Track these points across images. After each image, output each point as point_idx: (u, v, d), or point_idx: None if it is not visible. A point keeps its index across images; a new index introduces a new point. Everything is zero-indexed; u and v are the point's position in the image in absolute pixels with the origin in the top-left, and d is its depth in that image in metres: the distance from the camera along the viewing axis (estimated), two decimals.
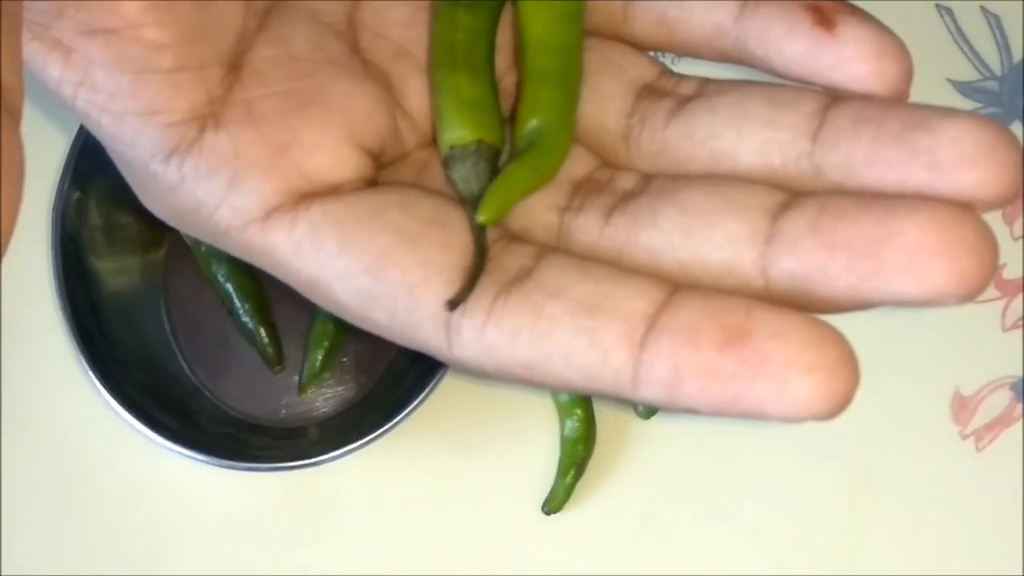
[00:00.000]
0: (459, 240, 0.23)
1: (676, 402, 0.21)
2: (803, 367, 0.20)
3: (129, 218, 0.40)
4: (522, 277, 0.22)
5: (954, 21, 0.45)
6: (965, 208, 0.20)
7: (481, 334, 0.22)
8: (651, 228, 0.23)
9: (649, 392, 0.21)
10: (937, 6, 0.45)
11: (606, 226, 0.23)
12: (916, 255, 0.20)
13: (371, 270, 0.22)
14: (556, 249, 0.23)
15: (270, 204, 0.23)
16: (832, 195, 0.22)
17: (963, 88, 0.44)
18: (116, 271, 0.40)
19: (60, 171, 0.38)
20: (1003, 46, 0.45)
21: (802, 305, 0.21)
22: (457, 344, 0.22)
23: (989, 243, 0.20)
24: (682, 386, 0.20)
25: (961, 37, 0.45)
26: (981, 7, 0.45)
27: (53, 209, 0.38)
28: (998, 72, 0.45)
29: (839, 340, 0.20)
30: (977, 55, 0.45)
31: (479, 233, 0.23)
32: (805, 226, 0.21)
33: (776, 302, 0.21)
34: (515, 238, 0.24)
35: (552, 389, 0.22)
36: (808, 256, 0.21)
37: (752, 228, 0.22)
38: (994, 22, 0.45)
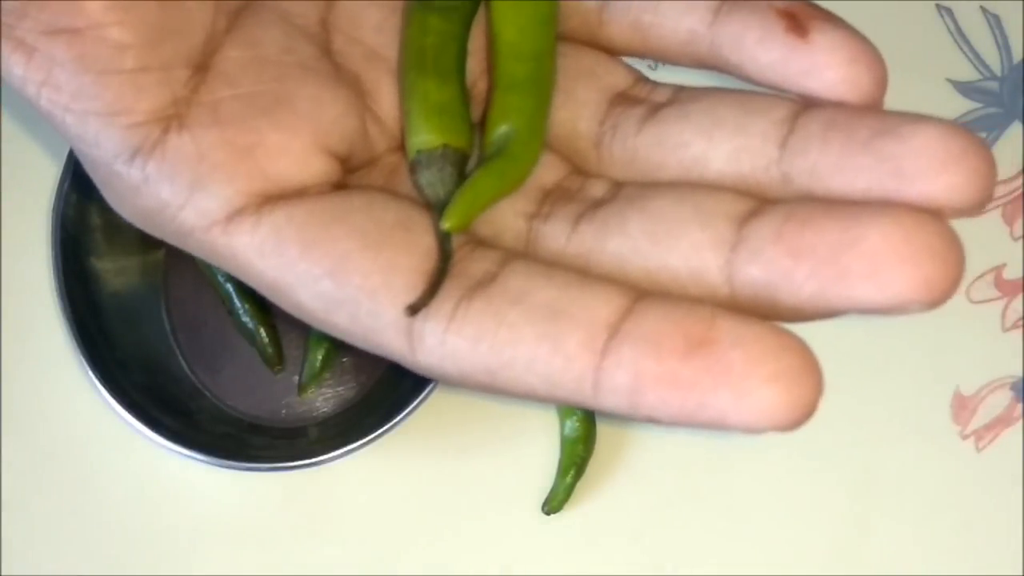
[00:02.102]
0: (424, 245, 0.23)
1: (637, 411, 0.20)
2: (764, 376, 0.19)
3: None
4: (486, 282, 0.22)
5: (954, 21, 0.45)
6: (930, 214, 0.20)
7: (443, 340, 0.22)
8: (619, 235, 0.22)
9: (610, 401, 0.21)
10: (937, 6, 0.45)
11: (574, 233, 0.23)
12: (879, 261, 0.19)
13: (333, 274, 0.22)
14: (522, 255, 0.23)
15: (233, 206, 0.23)
16: (799, 202, 0.21)
17: (963, 88, 0.44)
18: (116, 271, 0.40)
19: (60, 172, 0.38)
20: (1003, 46, 0.45)
21: (768, 313, 0.21)
22: (420, 350, 0.22)
23: (954, 250, 0.19)
24: (643, 395, 0.20)
25: (961, 37, 0.45)
26: (981, 7, 0.45)
27: (53, 209, 0.38)
28: (998, 72, 0.45)
29: (802, 349, 0.20)
30: (977, 55, 0.45)
31: (444, 239, 0.23)
32: (770, 233, 0.21)
33: (742, 310, 0.21)
34: (481, 243, 0.23)
35: (515, 396, 0.22)
36: (773, 263, 0.21)
37: (718, 236, 0.21)
38: (994, 22, 0.45)
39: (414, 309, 0.22)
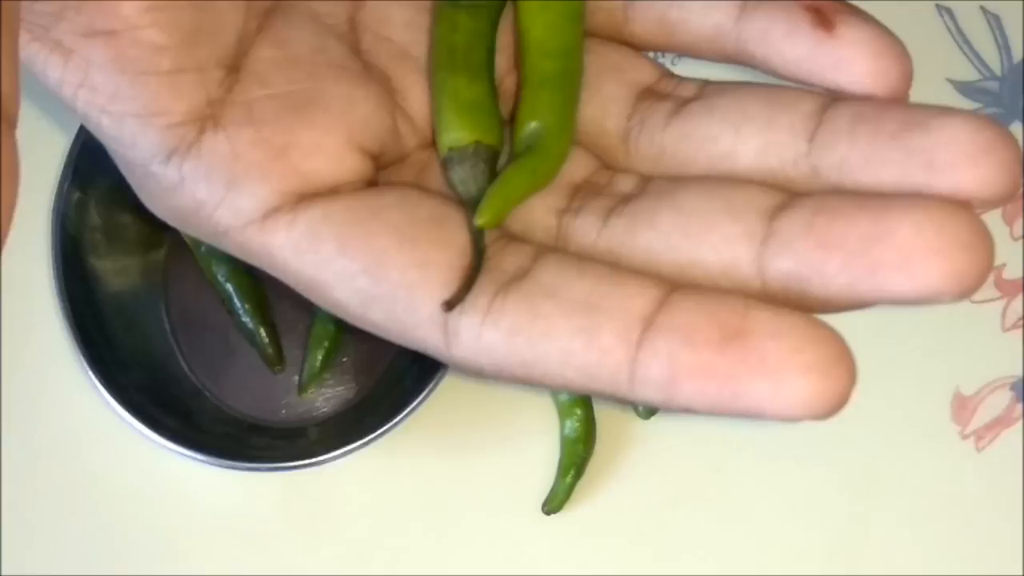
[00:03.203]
0: (458, 240, 0.23)
1: (673, 402, 0.21)
2: (800, 366, 0.20)
3: (129, 218, 0.40)
4: (520, 277, 0.22)
5: (954, 21, 0.45)
6: (960, 206, 0.20)
7: (479, 334, 0.22)
8: (649, 230, 0.23)
9: (646, 392, 0.21)
10: (937, 6, 0.45)
11: (604, 228, 0.23)
12: (910, 253, 0.20)
13: (369, 270, 0.23)
14: (554, 249, 0.23)
15: (269, 205, 0.23)
16: (828, 195, 0.22)
17: (963, 88, 0.44)
18: (116, 271, 0.40)
19: (60, 171, 0.38)
20: (1003, 46, 0.45)
21: (799, 305, 0.21)
22: (455, 344, 0.22)
23: (984, 241, 0.20)
24: (679, 386, 0.20)
25: (961, 37, 0.45)
26: (981, 7, 0.45)
27: (53, 209, 0.38)
28: (998, 72, 0.45)
29: (836, 339, 0.20)
30: (977, 55, 0.45)
31: (477, 235, 0.23)
32: (801, 226, 0.21)
33: (774, 303, 0.21)
34: (514, 239, 0.24)
35: (551, 389, 0.22)
36: (804, 256, 0.21)
37: (748, 229, 0.22)
38: (994, 22, 0.45)
39: (450, 305, 0.22)
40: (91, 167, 0.38)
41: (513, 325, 0.22)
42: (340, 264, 0.23)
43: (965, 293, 0.20)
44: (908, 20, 0.43)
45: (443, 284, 0.22)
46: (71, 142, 0.38)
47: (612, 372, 0.21)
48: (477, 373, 0.23)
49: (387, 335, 0.23)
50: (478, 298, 0.22)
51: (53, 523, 0.41)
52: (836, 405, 0.20)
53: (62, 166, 0.38)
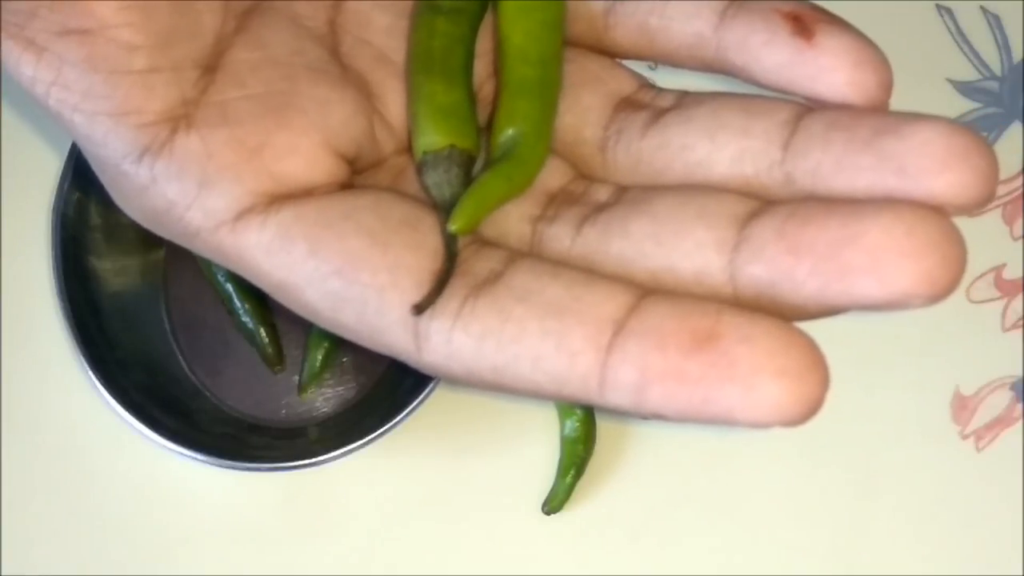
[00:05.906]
0: (430, 244, 0.23)
1: (643, 407, 0.20)
2: (771, 371, 0.19)
3: (129, 218, 0.40)
4: (492, 281, 0.22)
5: (954, 21, 0.45)
6: (931, 209, 0.20)
7: (449, 338, 0.22)
8: (622, 237, 0.23)
9: (616, 397, 0.21)
10: (937, 6, 0.45)
11: (578, 236, 0.23)
12: (880, 256, 0.19)
13: (341, 272, 0.22)
14: (528, 254, 0.23)
15: (241, 206, 0.23)
16: (801, 201, 0.21)
17: (963, 88, 0.44)
18: (116, 271, 0.40)
19: (60, 171, 0.38)
20: (1003, 46, 0.45)
21: (772, 312, 0.21)
22: (426, 348, 0.22)
23: (956, 243, 0.20)
24: (648, 391, 0.20)
25: (961, 37, 0.45)
26: (981, 7, 0.45)
27: (53, 209, 0.38)
28: (998, 72, 0.45)
29: (809, 344, 0.20)
30: (977, 55, 0.45)
31: (449, 240, 0.23)
32: (772, 232, 0.21)
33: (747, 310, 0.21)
34: (487, 243, 0.24)
35: (521, 394, 0.22)
36: (774, 262, 0.21)
37: (721, 236, 0.22)
38: (994, 22, 0.45)
39: (420, 308, 0.22)
40: (91, 167, 0.38)
41: (483, 329, 0.21)
42: (311, 266, 0.23)
43: (937, 296, 0.19)
44: (908, 20, 0.43)
45: (414, 287, 0.22)
46: (72, 143, 0.38)
47: (582, 376, 0.21)
48: (448, 378, 0.22)
49: (358, 339, 0.23)
50: (449, 302, 0.22)
51: (53, 523, 0.41)
52: (808, 411, 0.19)
53: (62, 166, 0.38)
